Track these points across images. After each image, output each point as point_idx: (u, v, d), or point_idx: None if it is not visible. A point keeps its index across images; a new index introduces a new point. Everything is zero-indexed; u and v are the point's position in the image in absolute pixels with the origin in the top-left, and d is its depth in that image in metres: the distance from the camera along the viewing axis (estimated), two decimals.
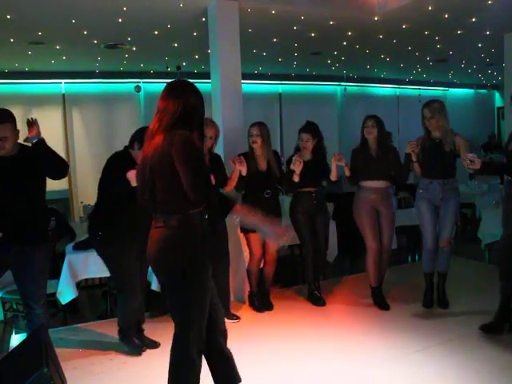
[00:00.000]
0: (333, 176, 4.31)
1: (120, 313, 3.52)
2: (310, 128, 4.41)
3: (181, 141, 2.24)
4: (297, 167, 4.16)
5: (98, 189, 3.43)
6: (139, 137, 3.14)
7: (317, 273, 4.51)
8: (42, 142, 3.15)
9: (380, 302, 4.33)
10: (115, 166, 3.29)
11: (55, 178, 3.20)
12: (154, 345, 3.61)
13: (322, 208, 4.49)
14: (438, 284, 4.31)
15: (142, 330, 3.66)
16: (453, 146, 4.01)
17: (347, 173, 4.29)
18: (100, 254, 3.43)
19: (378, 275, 4.32)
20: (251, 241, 4.23)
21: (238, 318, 4.15)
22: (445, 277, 4.28)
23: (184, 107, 2.31)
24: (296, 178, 4.21)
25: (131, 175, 2.99)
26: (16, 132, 3.09)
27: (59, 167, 3.19)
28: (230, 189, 4.02)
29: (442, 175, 4.07)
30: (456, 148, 4.00)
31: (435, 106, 4.06)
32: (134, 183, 2.82)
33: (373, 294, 4.39)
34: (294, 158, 4.21)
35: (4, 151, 3.04)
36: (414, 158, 4.08)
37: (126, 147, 3.44)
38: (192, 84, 2.43)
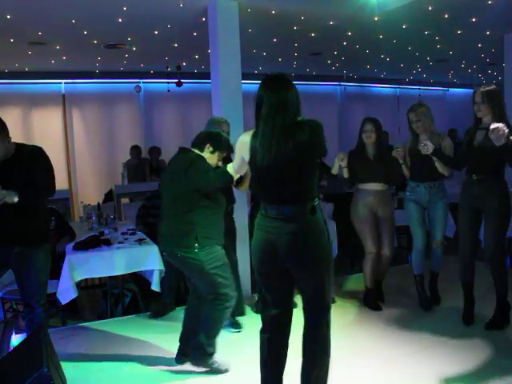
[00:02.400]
0: (334, 170, 4.27)
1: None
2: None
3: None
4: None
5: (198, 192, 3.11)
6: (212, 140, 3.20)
7: None
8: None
9: (371, 303, 4.32)
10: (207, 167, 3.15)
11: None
12: None
13: None
14: (430, 282, 4.36)
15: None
16: (439, 148, 3.97)
17: (346, 174, 4.28)
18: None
19: (373, 278, 4.33)
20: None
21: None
22: (437, 276, 4.36)
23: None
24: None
25: None
26: (6, 140, 2.98)
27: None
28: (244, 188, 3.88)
29: (429, 178, 4.12)
30: (442, 150, 3.98)
31: (421, 110, 4.11)
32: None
33: (366, 295, 4.40)
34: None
35: None
36: (401, 161, 4.16)
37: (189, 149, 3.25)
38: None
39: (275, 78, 2.41)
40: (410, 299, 4.46)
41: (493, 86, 3.60)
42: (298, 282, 2.46)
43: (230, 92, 4.70)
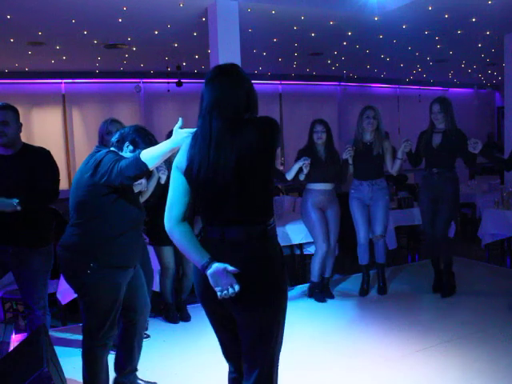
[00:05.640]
0: (289, 175, 4.34)
1: None
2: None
3: None
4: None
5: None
6: None
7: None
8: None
9: (317, 296, 4.53)
10: None
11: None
12: None
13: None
14: (377, 273, 4.67)
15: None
16: (381, 149, 4.41)
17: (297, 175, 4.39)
18: None
19: (320, 272, 4.52)
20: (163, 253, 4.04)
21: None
22: (383, 267, 4.67)
23: None
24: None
25: None
26: (19, 124, 3.04)
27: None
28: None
29: (371, 176, 4.43)
30: (384, 151, 4.42)
31: (377, 110, 4.42)
32: None
33: (312, 288, 4.60)
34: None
35: (6, 139, 2.96)
36: (350, 161, 4.39)
37: None
38: None
39: (219, 70, 1.95)
40: (409, 299, 4.46)
41: (446, 97, 4.46)
42: (239, 328, 1.94)
43: None
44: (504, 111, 7.04)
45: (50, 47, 6.31)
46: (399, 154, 4.39)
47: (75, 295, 3.93)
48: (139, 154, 2.39)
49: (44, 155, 3.12)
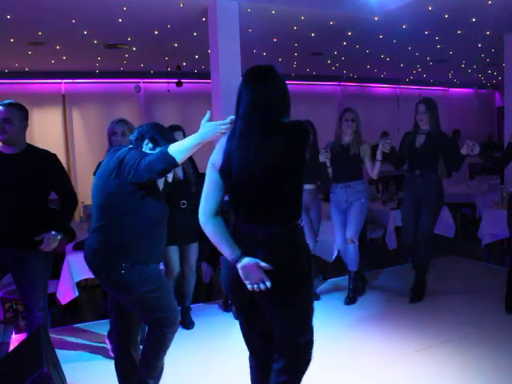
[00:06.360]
0: None
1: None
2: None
3: None
4: None
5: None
6: None
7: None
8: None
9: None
10: None
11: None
12: None
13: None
14: (349, 279, 4.52)
15: None
16: (357, 150, 4.36)
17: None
18: None
19: None
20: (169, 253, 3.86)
21: None
22: (354, 275, 4.49)
23: None
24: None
25: None
26: (24, 123, 3.02)
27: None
28: None
29: (346, 179, 4.39)
30: (361, 154, 4.36)
31: (356, 112, 4.38)
32: None
33: None
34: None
35: (7, 136, 2.93)
36: (328, 164, 4.41)
37: None
38: None
39: (258, 71, 2.01)
40: (409, 299, 4.46)
41: (432, 98, 4.35)
42: (270, 320, 2.06)
43: (230, 92, 4.66)
44: (504, 111, 7.04)
45: (50, 47, 6.31)
46: (378, 156, 4.31)
47: (75, 295, 3.97)
48: (167, 148, 2.36)
49: (48, 158, 3.10)
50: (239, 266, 1.89)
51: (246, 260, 1.89)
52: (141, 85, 8.85)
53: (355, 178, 4.40)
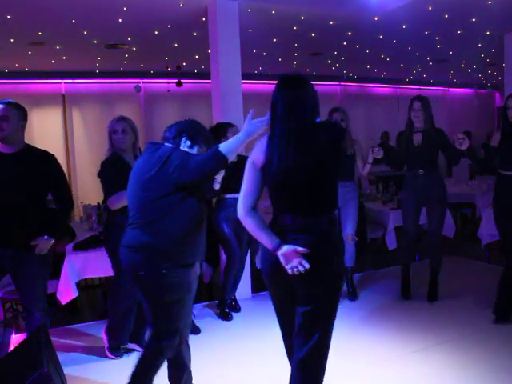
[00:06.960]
0: None
1: None
2: None
3: None
4: None
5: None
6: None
7: None
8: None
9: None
10: None
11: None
12: None
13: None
14: (346, 276, 4.53)
15: None
16: (353, 150, 4.41)
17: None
18: None
19: None
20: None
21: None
22: (351, 271, 4.61)
23: None
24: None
25: None
26: (22, 123, 3.00)
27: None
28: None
29: (342, 178, 4.27)
30: (355, 153, 4.42)
31: (343, 114, 4.34)
32: None
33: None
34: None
35: (3, 133, 2.92)
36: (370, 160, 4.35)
37: None
38: None
39: (291, 77, 2.23)
40: (410, 299, 4.46)
41: (426, 96, 4.34)
42: (303, 303, 2.20)
43: (230, 92, 4.70)
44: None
45: (50, 47, 6.31)
46: (369, 159, 4.30)
47: (75, 295, 3.97)
48: (217, 147, 2.38)
49: (47, 159, 3.09)
50: (280, 253, 2.08)
51: (285, 247, 2.08)
52: (141, 85, 8.85)
53: (350, 179, 4.43)
